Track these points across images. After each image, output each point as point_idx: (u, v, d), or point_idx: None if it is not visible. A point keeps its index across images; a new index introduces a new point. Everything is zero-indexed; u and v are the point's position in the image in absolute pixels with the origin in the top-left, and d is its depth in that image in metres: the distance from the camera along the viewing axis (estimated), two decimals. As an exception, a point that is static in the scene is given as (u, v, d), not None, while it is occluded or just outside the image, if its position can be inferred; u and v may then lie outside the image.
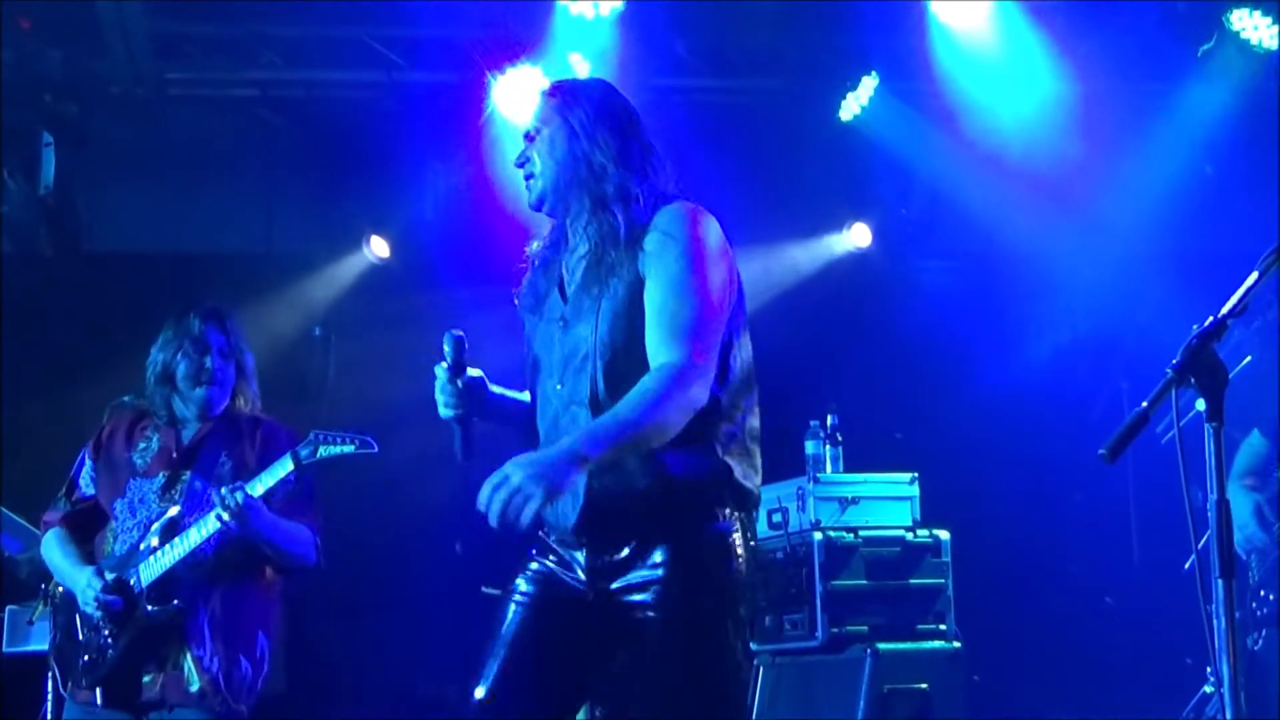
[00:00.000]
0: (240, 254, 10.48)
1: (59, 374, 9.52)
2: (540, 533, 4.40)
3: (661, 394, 4.03)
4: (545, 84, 4.59)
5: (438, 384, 4.35)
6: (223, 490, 5.52)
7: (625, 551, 4.24)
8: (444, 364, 4.34)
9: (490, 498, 3.83)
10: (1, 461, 8.88)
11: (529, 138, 4.45)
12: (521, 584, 4.38)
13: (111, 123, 9.99)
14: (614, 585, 4.25)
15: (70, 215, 9.96)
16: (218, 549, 5.66)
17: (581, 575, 4.31)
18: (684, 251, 4.19)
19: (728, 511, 4.25)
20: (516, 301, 4.55)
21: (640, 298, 4.20)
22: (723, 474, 4.24)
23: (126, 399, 6.07)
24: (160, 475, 5.79)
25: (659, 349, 4.13)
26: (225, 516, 5.47)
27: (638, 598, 4.21)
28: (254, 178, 10.66)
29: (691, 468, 4.20)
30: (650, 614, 4.19)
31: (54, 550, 5.93)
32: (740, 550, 4.25)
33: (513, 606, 4.35)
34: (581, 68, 9.70)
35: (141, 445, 5.86)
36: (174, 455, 5.82)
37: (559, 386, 4.31)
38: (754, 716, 8.63)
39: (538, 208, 4.45)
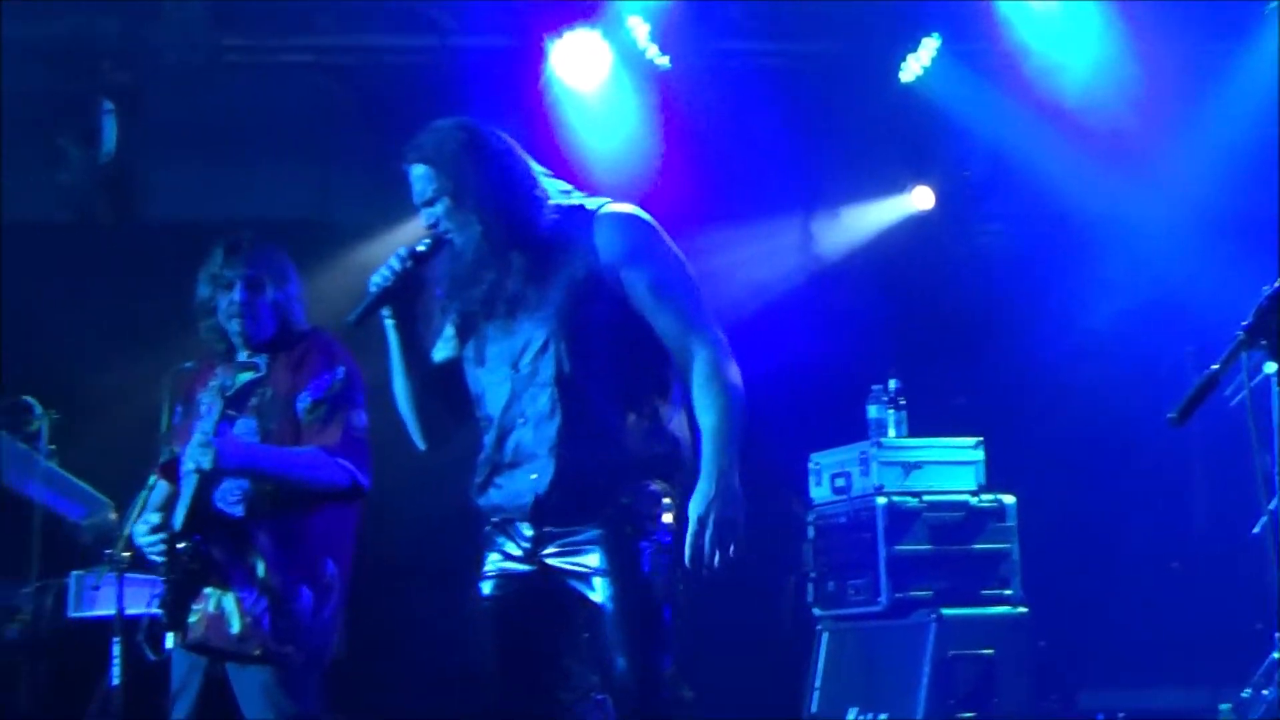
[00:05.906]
0: (297, 221, 10.46)
1: (117, 342, 9.54)
2: (491, 520, 4.72)
3: (722, 386, 4.51)
4: (409, 155, 4.91)
5: (394, 255, 4.71)
6: (195, 437, 5.46)
7: (567, 520, 4.57)
8: (418, 246, 4.71)
9: (708, 545, 4.37)
10: (63, 429, 8.88)
11: (428, 204, 4.78)
12: (485, 588, 4.70)
13: (167, 91, 10.00)
14: (551, 551, 4.59)
15: (129, 183, 9.99)
16: (248, 486, 5.54)
17: (525, 545, 4.62)
18: (657, 251, 4.64)
19: (665, 481, 4.60)
20: (448, 304, 4.79)
21: (591, 288, 4.60)
22: (671, 446, 4.65)
23: (187, 365, 6.02)
24: (212, 416, 5.63)
25: (685, 341, 4.57)
26: (198, 463, 5.40)
27: (576, 565, 4.55)
28: (310, 145, 10.67)
29: (648, 442, 4.60)
30: (590, 581, 4.53)
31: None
32: (673, 515, 4.58)
33: (488, 617, 4.68)
34: (641, 30, 9.66)
35: (212, 383, 5.70)
36: (225, 394, 5.67)
37: (514, 371, 4.64)
38: (817, 682, 8.62)
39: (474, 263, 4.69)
